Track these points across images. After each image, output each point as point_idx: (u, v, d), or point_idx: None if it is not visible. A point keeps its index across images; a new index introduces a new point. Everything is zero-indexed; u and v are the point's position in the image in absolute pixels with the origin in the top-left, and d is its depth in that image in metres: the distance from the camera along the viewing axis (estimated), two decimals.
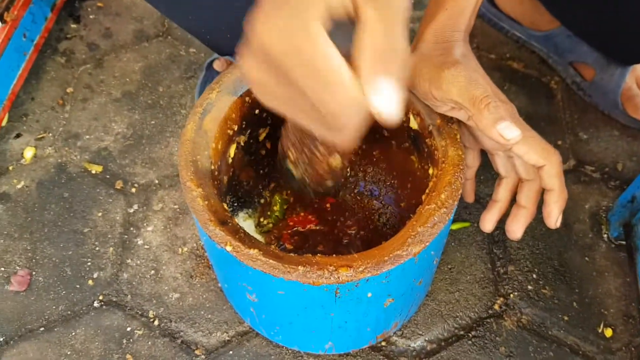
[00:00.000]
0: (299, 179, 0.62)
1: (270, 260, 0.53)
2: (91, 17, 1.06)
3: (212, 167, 0.61)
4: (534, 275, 0.80)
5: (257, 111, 0.68)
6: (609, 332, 0.76)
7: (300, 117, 0.40)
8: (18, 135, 0.92)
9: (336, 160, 0.58)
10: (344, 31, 0.36)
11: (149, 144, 0.91)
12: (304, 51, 0.34)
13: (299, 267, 0.53)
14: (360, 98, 0.36)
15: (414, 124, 0.64)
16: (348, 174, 0.78)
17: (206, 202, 0.57)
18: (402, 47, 0.36)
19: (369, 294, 0.56)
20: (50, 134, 0.92)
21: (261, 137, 0.72)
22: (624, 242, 0.81)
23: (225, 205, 0.59)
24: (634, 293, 0.78)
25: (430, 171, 0.62)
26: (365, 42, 0.35)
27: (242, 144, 0.70)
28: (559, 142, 0.91)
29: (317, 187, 0.63)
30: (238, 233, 0.56)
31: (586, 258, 0.81)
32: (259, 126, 0.70)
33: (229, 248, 0.54)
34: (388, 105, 0.35)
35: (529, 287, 0.79)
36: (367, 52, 0.35)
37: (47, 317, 0.77)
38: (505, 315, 0.77)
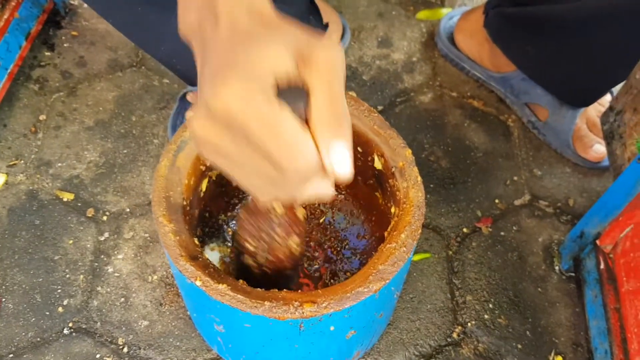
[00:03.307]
0: (259, 271, 0.64)
1: (238, 295, 0.56)
2: (65, 45, 1.07)
3: (184, 203, 0.63)
4: (490, 305, 0.84)
5: None
6: None
7: (248, 177, 0.43)
8: None
9: (295, 242, 0.60)
10: (292, 92, 0.39)
11: (121, 173, 0.93)
12: (266, 116, 0.37)
13: (266, 302, 0.55)
14: (319, 158, 0.39)
15: (378, 164, 0.68)
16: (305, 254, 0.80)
17: (177, 238, 0.59)
18: (346, 110, 0.40)
19: (332, 328, 0.59)
20: (22, 161, 0.93)
21: None
22: (574, 274, 0.86)
23: (196, 240, 0.61)
24: (582, 323, 0.82)
25: (393, 210, 0.66)
26: (317, 112, 0.39)
27: (214, 178, 0.72)
28: (515, 178, 0.96)
29: (278, 276, 0.65)
30: (208, 268, 0.58)
31: (539, 289, 0.86)
32: None
33: (198, 283, 0.57)
34: (344, 166, 0.39)
35: (486, 317, 0.83)
36: (320, 121, 0.39)
37: (16, 343, 0.77)
38: (463, 343, 0.81)
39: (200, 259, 0.58)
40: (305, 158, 0.38)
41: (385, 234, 0.63)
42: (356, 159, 0.73)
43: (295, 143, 0.38)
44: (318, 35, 0.40)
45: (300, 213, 0.60)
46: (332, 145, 0.38)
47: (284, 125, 0.37)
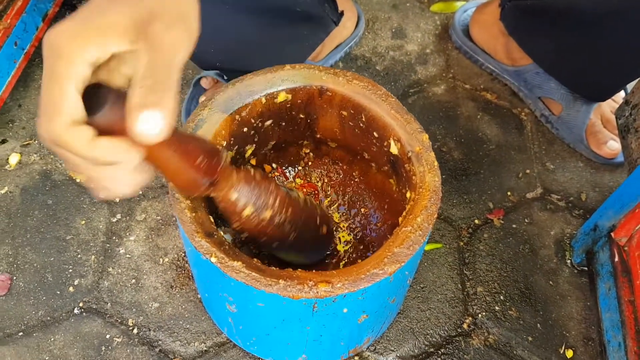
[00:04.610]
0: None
1: (253, 273, 0.56)
2: None
3: None
4: (501, 297, 0.84)
5: (245, 129, 0.71)
6: (570, 354, 0.80)
7: None
8: (3, 141, 0.93)
9: (247, 210, 0.60)
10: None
11: None
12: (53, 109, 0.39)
13: (280, 281, 0.55)
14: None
15: (394, 149, 0.68)
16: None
17: (194, 214, 0.59)
18: (168, 77, 0.40)
19: (345, 310, 0.59)
20: (36, 141, 0.93)
21: (247, 154, 0.74)
22: (586, 268, 0.86)
23: (211, 218, 0.61)
24: (594, 317, 0.82)
25: (408, 195, 0.65)
26: (135, 79, 0.40)
27: (229, 159, 0.72)
28: (528, 171, 0.96)
29: (261, 242, 0.65)
30: (223, 245, 0.58)
31: (550, 282, 0.85)
32: (246, 143, 0.73)
33: (213, 259, 0.57)
34: (147, 134, 0.39)
35: (496, 308, 0.83)
36: (134, 89, 0.39)
37: (26, 322, 0.77)
38: (473, 334, 0.81)
39: (216, 236, 0.58)
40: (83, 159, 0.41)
41: (401, 218, 0.63)
42: (371, 144, 0.73)
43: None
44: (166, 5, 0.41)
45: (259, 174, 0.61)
46: (138, 117, 0.38)
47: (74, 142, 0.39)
